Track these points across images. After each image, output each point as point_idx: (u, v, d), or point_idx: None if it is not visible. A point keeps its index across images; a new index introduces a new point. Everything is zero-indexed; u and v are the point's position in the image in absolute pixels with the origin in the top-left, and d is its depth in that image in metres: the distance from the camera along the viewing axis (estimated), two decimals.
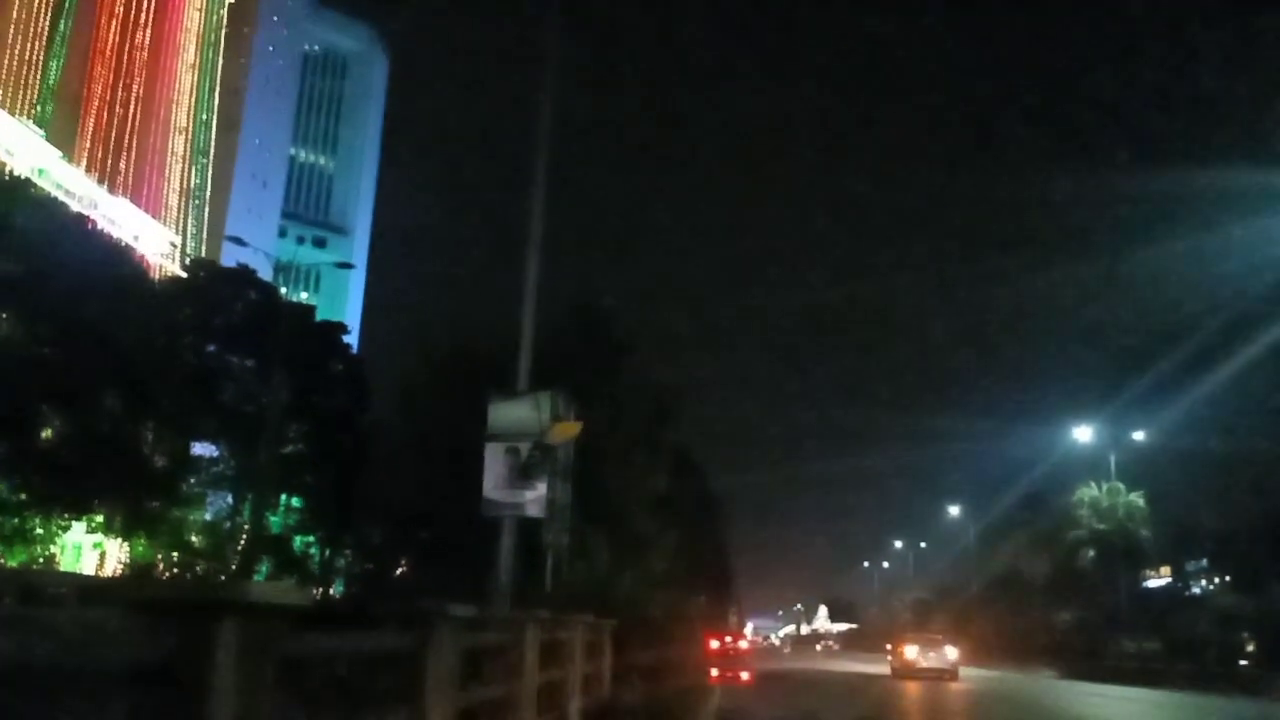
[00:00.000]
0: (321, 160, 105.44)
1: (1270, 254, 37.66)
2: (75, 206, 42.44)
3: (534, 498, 13.88)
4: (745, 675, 29.33)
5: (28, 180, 36.05)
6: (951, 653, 36.56)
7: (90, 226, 31.65)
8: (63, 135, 58.44)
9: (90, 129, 62.34)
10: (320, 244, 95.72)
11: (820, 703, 23.32)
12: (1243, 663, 33.90)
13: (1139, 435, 45.48)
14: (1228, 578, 44.02)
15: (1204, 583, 48.59)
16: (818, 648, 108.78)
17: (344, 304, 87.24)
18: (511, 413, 14.18)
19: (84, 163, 60.38)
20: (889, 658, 40.89)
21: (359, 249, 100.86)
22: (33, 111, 56.95)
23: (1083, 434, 46.65)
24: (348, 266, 65.50)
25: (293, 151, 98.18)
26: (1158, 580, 50.60)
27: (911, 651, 36.72)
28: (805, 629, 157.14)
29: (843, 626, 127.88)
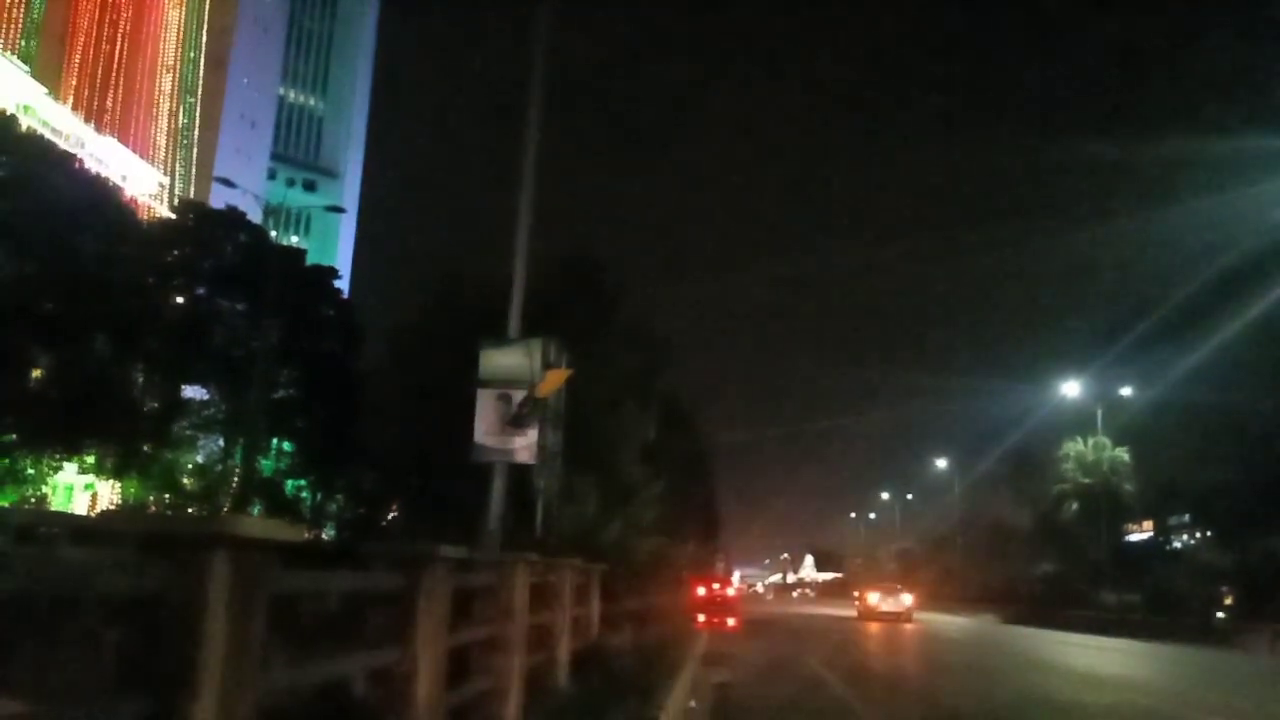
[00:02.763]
0: (311, 101, 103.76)
1: (1259, 218, 37.92)
2: (62, 145, 41.81)
3: (524, 444, 13.93)
4: (732, 621, 29.78)
5: (13, 117, 35.45)
6: (906, 599, 42.44)
7: (78, 165, 31.22)
8: (48, 72, 57.26)
9: (76, 65, 61.09)
10: (310, 187, 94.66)
11: (801, 645, 23.83)
12: (1220, 615, 34.52)
13: (1126, 391, 45.86)
14: (1208, 533, 44.63)
15: (1185, 537, 49.27)
16: (794, 594, 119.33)
17: (334, 248, 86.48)
18: (503, 360, 14.18)
19: (70, 100, 59.29)
20: (855, 602, 46.31)
21: (349, 193, 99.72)
22: (17, 46, 55.78)
23: (1070, 389, 47.02)
24: (338, 210, 64.90)
25: (281, 91, 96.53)
26: (1139, 534, 51.31)
27: (873, 598, 42.66)
28: (791, 578, 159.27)
29: (828, 576, 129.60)
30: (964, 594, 59.68)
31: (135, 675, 2.45)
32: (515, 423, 13.95)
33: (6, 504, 24.19)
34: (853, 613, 44.97)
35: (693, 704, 11.57)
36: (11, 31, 55.55)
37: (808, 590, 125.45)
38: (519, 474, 14.51)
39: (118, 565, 2.49)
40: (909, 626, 37.21)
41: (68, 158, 31.24)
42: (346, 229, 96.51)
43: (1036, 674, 18.25)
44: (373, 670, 4.20)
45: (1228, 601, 35.26)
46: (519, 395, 13.96)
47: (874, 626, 36.15)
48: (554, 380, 14.28)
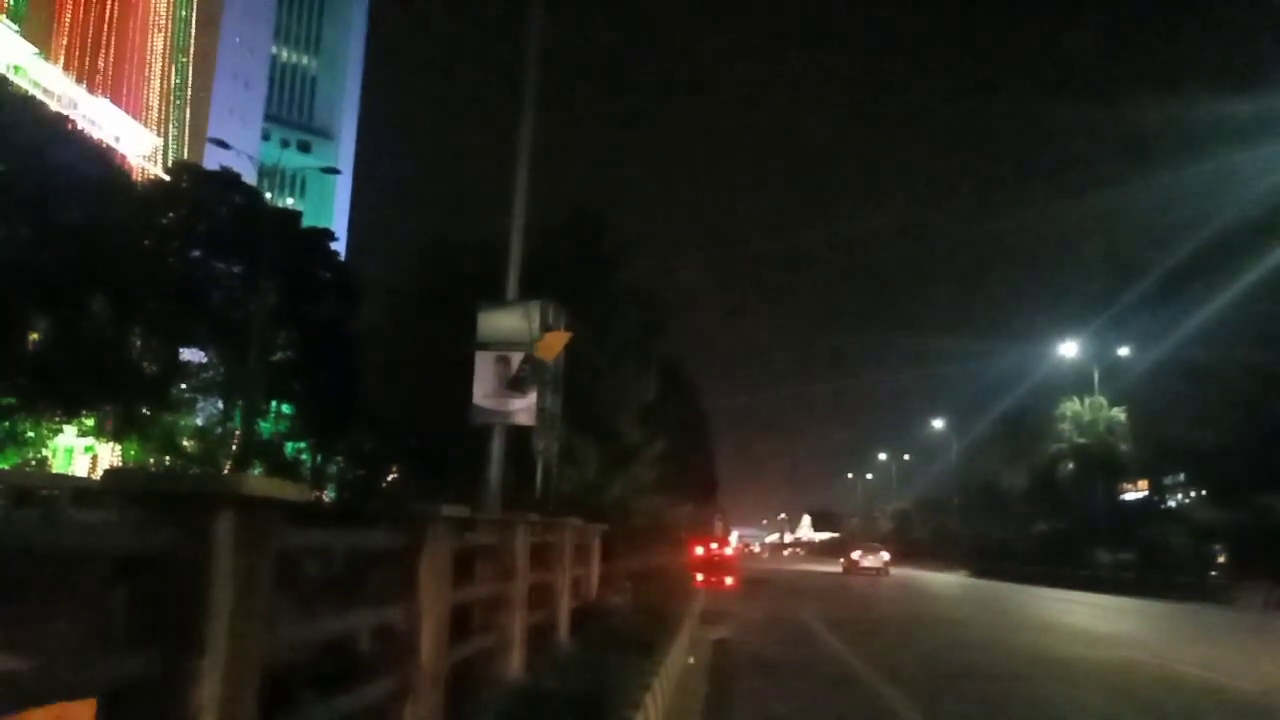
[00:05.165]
0: (304, 60, 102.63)
1: (1257, 182, 37.88)
2: (54, 106, 41.39)
3: (523, 406, 13.94)
4: (730, 580, 30.08)
5: (4, 78, 35.07)
6: (884, 555, 49.72)
7: (70, 127, 30.91)
8: (38, 31, 56.56)
9: (67, 25, 60.33)
10: (305, 148, 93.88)
11: (795, 602, 24.17)
12: (1214, 573, 34.84)
13: (1123, 351, 45.95)
14: (1203, 491, 44.94)
15: (1180, 496, 49.63)
16: (785, 553, 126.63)
17: (330, 210, 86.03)
18: (501, 321, 14.15)
19: (61, 61, 58.59)
20: (841, 560, 52.84)
21: (344, 153, 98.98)
22: (6, 5, 55.02)
23: (1068, 349, 47.12)
24: (333, 172, 64.43)
25: (274, 51, 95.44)
26: (1135, 493, 51.66)
27: (856, 555, 49.69)
28: (788, 538, 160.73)
29: (825, 536, 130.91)
30: (945, 553, 65.03)
31: (143, 632, 2.47)
32: (514, 385, 13.95)
33: (7, 466, 24.29)
34: (839, 569, 50.36)
35: (691, 660, 11.71)
36: None
37: (798, 550, 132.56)
38: (519, 435, 14.55)
39: (124, 524, 2.50)
40: (887, 580, 42.19)
41: (60, 119, 30.93)
42: (342, 190, 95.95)
43: (1012, 628, 18.50)
44: (377, 627, 4.24)
45: (1221, 560, 35.57)
46: (517, 357, 13.95)
47: (859, 581, 39.68)
48: (553, 343, 14.27)
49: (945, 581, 44.24)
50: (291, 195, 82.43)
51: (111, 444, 30.01)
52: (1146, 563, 37.68)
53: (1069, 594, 32.37)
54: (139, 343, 28.63)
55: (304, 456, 32.67)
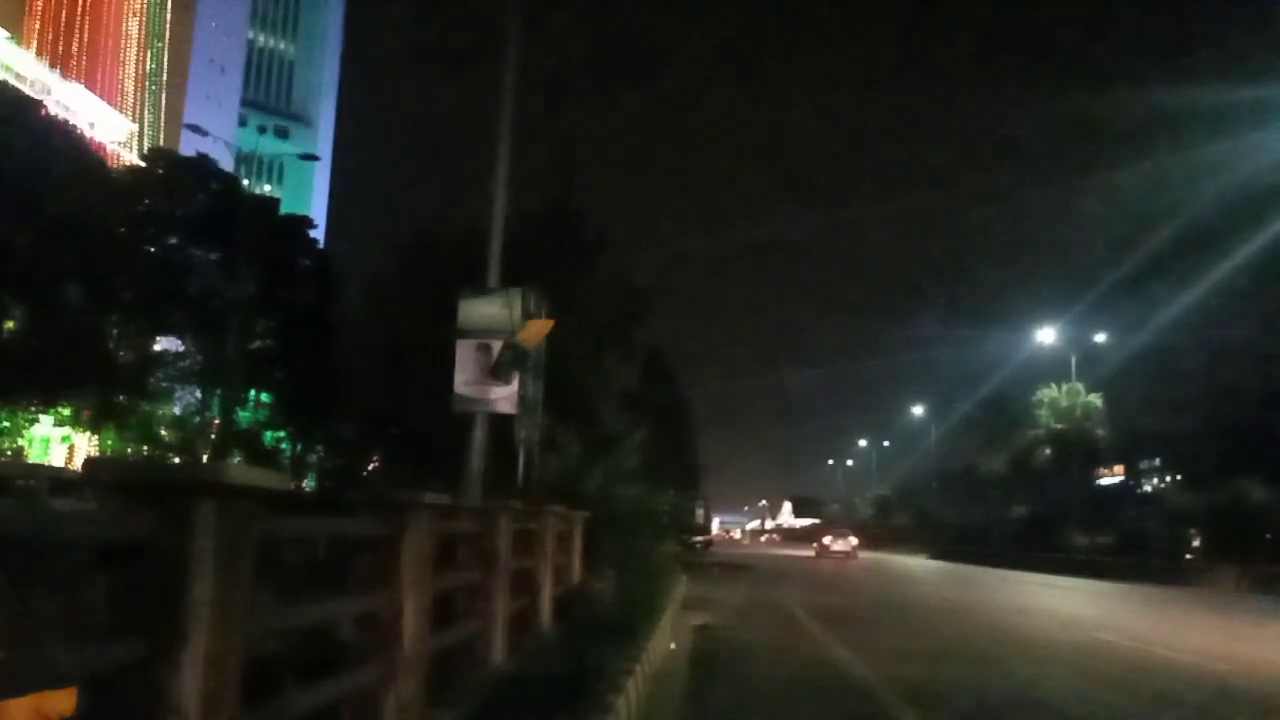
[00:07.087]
0: (282, 45, 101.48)
1: (1231, 172, 38.36)
2: (27, 92, 40.76)
3: (505, 394, 13.89)
4: (714, 568, 30.25)
5: None
6: (853, 540, 52.52)
7: (44, 113, 30.47)
8: (10, 15, 55.66)
9: (39, 9, 59.39)
10: (282, 134, 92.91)
11: (773, 586, 24.44)
12: (1188, 556, 35.32)
13: (1100, 338, 46.41)
14: (1178, 476, 45.50)
15: (1155, 481, 50.23)
16: (762, 539, 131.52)
17: (309, 197, 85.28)
18: (482, 309, 14.07)
19: (34, 45, 57.69)
20: (814, 544, 55.98)
21: (323, 140, 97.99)
22: None
23: (1046, 336, 47.50)
24: (312, 158, 63.90)
25: (251, 35, 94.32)
26: (1111, 478, 52.25)
27: (827, 540, 52.61)
28: (770, 524, 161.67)
29: (806, 522, 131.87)
30: (912, 537, 67.81)
31: (124, 621, 2.48)
32: (495, 373, 13.90)
33: None
34: (811, 553, 53.02)
35: (673, 646, 11.77)
36: None
37: (774, 536, 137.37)
38: (500, 423, 14.52)
39: (105, 513, 2.50)
40: (858, 564, 44.63)
41: (33, 105, 30.48)
42: (321, 177, 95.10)
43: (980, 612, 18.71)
44: (359, 614, 4.25)
45: (1196, 543, 36.05)
46: (499, 345, 13.90)
47: (830, 565, 42.07)
48: (535, 331, 14.22)
49: (912, 565, 45.58)
50: (269, 182, 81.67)
51: (88, 434, 29.74)
52: (1122, 546, 38.15)
53: (1043, 577, 32.72)
54: (115, 331, 28.36)
55: (284, 445, 32.50)
